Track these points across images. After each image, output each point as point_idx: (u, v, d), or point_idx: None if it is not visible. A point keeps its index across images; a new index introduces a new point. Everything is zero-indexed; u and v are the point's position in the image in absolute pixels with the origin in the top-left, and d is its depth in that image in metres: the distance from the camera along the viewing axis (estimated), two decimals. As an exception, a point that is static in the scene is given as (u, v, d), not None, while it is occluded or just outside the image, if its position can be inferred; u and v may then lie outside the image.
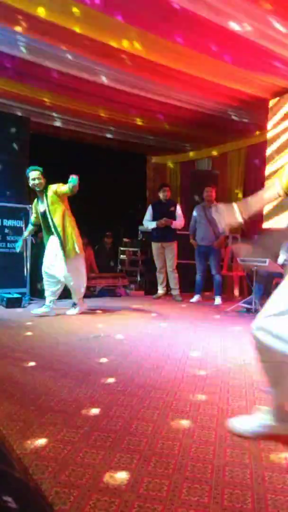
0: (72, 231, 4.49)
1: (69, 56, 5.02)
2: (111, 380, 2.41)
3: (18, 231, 5.52)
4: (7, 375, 2.46)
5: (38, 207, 4.60)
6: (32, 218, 4.82)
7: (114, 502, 1.28)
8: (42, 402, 2.05)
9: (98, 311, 4.89)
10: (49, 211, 4.44)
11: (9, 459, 1.38)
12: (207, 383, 2.41)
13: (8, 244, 5.61)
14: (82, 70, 5.38)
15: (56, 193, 4.42)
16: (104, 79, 5.63)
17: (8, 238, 5.61)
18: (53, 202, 4.44)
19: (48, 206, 4.44)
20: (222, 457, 1.57)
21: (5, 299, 5.03)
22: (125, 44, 4.64)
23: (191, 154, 9.14)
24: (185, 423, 1.86)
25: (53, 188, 4.44)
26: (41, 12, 4.07)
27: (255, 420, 1.75)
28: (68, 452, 1.58)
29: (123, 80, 5.65)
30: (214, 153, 8.57)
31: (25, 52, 4.99)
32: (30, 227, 4.93)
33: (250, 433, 1.71)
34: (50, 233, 4.54)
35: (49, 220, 4.46)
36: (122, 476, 1.42)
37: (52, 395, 2.15)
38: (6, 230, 5.60)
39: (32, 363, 2.70)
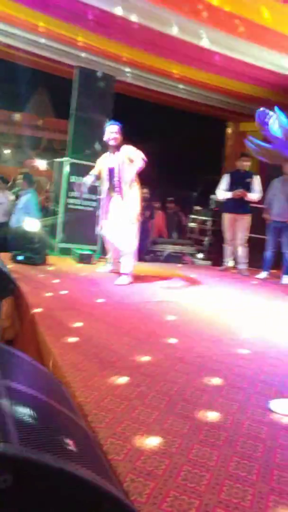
0: (136, 197, 4.38)
1: (162, 13, 4.86)
2: (172, 342, 2.48)
3: (93, 189, 5.65)
4: (75, 326, 2.62)
5: (106, 162, 4.49)
6: (93, 171, 4.68)
7: (164, 462, 1.34)
8: (105, 356, 2.17)
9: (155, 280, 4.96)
10: (119, 169, 4.35)
11: (72, 405, 1.49)
12: (263, 361, 2.38)
13: (83, 201, 5.80)
14: (177, 28, 5.19)
15: (129, 158, 4.31)
16: (199, 40, 5.40)
17: (84, 196, 5.79)
18: (124, 162, 4.34)
19: (119, 164, 4.35)
20: (275, 438, 1.56)
21: (78, 254, 5.27)
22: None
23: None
24: (240, 397, 1.87)
25: (129, 151, 4.33)
26: None
27: None
28: (125, 407, 1.67)
29: (216, 40, 5.38)
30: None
31: (115, 6, 4.91)
32: (91, 177, 4.72)
33: None
34: (113, 192, 4.45)
35: (116, 178, 4.37)
36: (173, 439, 1.48)
37: (114, 351, 2.26)
38: (86, 190, 5.76)
39: (97, 318, 2.85)
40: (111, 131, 4.37)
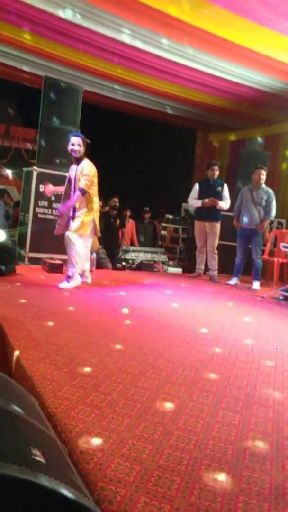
0: (90, 210, 4.42)
1: (126, 25, 4.94)
2: (141, 353, 2.48)
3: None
4: (44, 336, 2.58)
5: (70, 172, 4.57)
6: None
7: (135, 468, 1.33)
8: (74, 366, 2.14)
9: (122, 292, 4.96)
10: (75, 181, 4.42)
11: (41, 415, 1.47)
12: (234, 365, 2.42)
13: (54, 211, 5.75)
14: (141, 41, 5.29)
15: (81, 173, 4.35)
16: (161, 52, 5.51)
17: (54, 205, 5.75)
18: (81, 175, 4.37)
19: (76, 176, 4.41)
20: (244, 440, 1.59)
21: (47, 264, 5.20)
22: (182, 14, 4.51)
23: (242, 133, 8.84)
24: (210, 402, 1.88)
25: (84, 167, 4.35)
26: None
27: None
28: (95, 416, 1.66)
29: (181, 53, 5.51)
30: (267, 133, 8.24)
31: (81, 19, 4.96)
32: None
33: None
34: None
35: (73, 189, 4.46)
36: (145, 446, 1.48)
37: (84, 360, 2.24)
38: (53, 198, 5.73)
39: (66, 327, 2.81)
40: (73, 142, 4.38)
